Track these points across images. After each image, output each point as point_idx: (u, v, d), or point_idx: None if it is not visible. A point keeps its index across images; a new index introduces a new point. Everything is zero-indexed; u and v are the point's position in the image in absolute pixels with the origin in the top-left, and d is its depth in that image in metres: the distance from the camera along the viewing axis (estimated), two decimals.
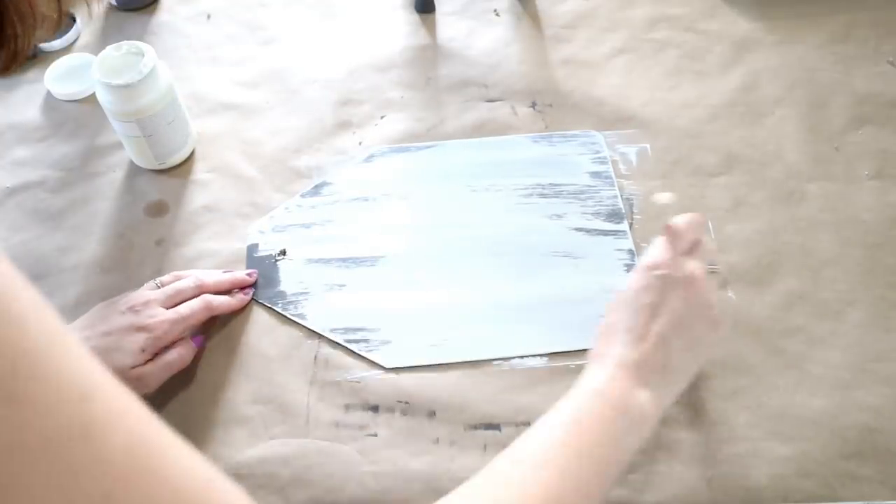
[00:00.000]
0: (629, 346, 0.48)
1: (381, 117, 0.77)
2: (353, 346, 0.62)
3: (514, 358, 0.62)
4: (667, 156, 0.73)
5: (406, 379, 0.61)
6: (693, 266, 0.50)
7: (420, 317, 0.64)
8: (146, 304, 0.58)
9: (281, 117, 0.77)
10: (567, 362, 0.61)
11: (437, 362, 0.61)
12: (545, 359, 0.61)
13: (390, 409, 0.59)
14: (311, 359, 0.62)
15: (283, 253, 0.67)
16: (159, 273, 0.66)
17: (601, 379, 0.47)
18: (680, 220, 0.53)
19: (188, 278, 0.62)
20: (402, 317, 0.64)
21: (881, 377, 0.59)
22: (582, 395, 0.46)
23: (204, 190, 0.72)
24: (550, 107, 0.77)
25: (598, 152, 0.73)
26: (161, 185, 0.73)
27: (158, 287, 0.61)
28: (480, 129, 0.76)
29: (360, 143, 0.75)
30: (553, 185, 0.71)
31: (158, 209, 0.71)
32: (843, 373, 0.59)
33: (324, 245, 0.68)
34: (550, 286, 0.65)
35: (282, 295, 0.65)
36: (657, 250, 0.52)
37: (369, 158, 0.74)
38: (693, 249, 0.53)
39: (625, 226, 0.68)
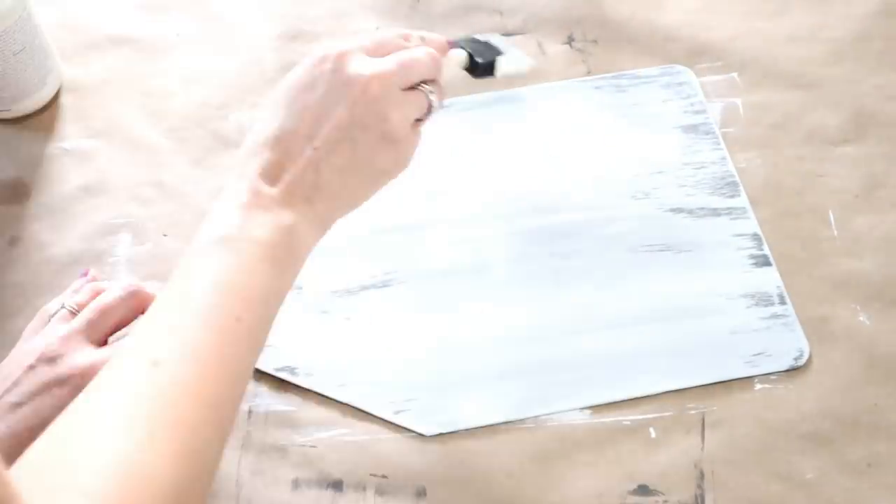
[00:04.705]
0: (273, 164, 0.44)
1: None
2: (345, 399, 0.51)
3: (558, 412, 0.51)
4: (766, 114, 0.61)
5: (382, 441, 0.51)
6: (374, 66, 0.45)
7: (448, 352, 0.52)
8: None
9: (200, 57, 0.67)
10: (619, 417, 0.51)
11: (485, 424, 0.50)
12: (588, 412, 0.51)
13: (360, 486, 0.49)
14: (245, 412, 0.52)
15: None
16: (10, 286, 0.56)
17: (234, 219, 0.42)
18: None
19: None
20: (421, 352, 0.53)
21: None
22: (217, 251, 0.41)
23: (82, 163, 0.62)
24: (595, 43, 0.65)
25: (689, 96, 0.61)
26: (15, 154, 0.63)
27: (72, 312, 0.50)
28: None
29: None
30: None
31: (11, 193, 0.60)
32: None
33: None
34: (644, 296, 0.53)
35: None
36: (339, 43, 0.47)
37: None
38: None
39: (743, 199, 0.57)
